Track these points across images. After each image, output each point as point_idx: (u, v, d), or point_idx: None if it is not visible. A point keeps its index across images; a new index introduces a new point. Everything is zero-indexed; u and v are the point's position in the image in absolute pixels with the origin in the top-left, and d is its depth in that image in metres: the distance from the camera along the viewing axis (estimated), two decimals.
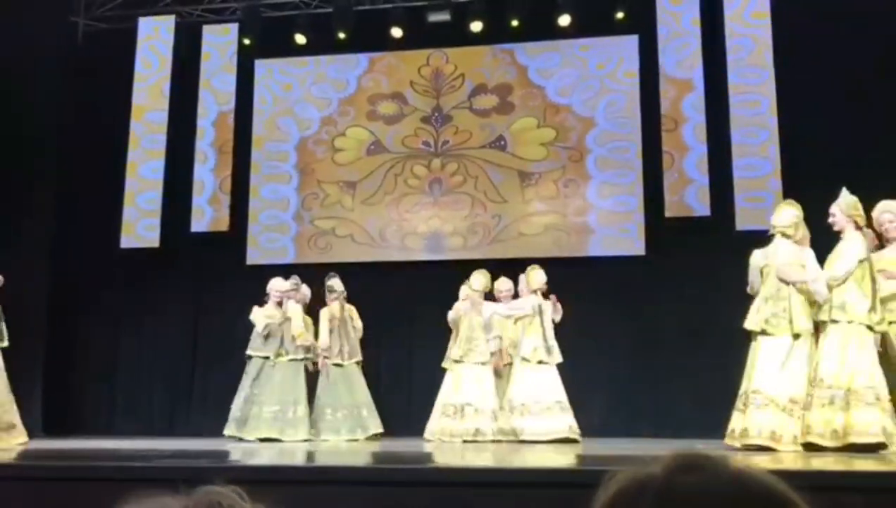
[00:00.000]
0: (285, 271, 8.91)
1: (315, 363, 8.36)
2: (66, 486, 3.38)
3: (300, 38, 10.30)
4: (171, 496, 0.78)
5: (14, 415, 6.87)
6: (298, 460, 4.95)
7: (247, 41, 10.50)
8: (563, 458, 5.18)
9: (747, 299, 8.93)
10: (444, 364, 8.12)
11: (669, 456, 0.75)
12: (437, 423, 7.81)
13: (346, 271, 8.92)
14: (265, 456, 5.41)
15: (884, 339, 5.65)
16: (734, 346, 8.92)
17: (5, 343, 7.05)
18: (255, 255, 10.19)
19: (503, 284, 8.45)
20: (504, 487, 3.09)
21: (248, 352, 8.36)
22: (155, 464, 4.09)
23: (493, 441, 7.50)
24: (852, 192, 5.84)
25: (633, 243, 9.47)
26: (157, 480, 3.30)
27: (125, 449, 6.04)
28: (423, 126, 10.29)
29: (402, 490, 3.11)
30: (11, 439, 6.72)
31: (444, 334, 8.32)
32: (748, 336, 6.32)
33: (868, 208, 5.98)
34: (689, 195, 9.29)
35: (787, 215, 6.08)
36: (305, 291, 8.53)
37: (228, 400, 9.04)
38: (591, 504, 0.76)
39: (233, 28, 10.59)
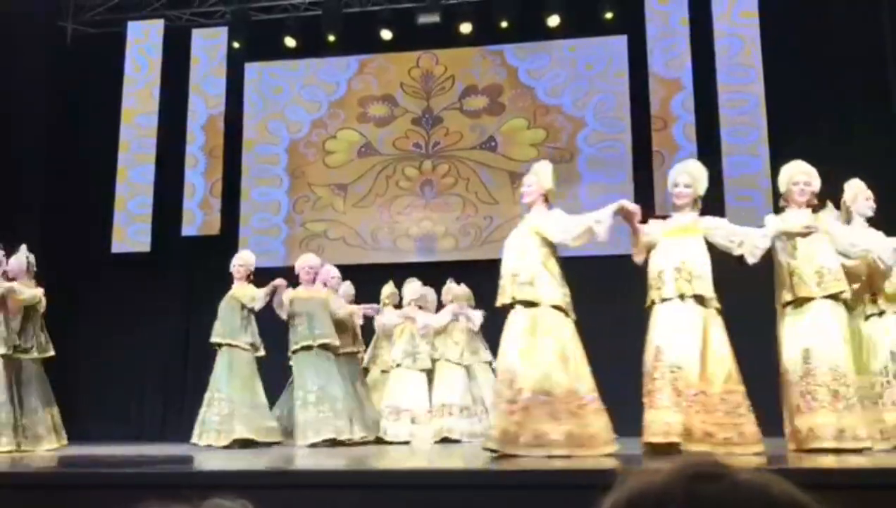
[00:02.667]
0: (277, 274, 8.89)
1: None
2: (58, 494, 3.36)
3: (290, 41, 10.30)
4: (181, 506, 0.77)
5: (41, 425, 6.85)
6: (286, 464, 4.95)
7: (236, 44, 10.49)
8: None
9: (739, 298, 8.95)
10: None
11: (682, 464, 0.74)
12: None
13: None
14: (254, 461, 5.40)
15: None
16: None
17: (51, 352, 7.13)
18: None
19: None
20: (496, 489, 3.10)
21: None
22: (146, 470, 4.09)
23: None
24: (840, 189, 5.84)
25: (624, 242, 9.46)
26: (149, 487, 3.30)
27: (117, 455, 6.02)
28: (413, 128, 10.30)
29: (389, 493, 3.11)
30: (39, 446, 6.73)
31: None
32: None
33: (880, 208, 5.94)
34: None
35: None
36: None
37: None
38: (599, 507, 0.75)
39: (222, 31, 10.57)
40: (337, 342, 7.45)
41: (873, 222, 5.55)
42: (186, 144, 10.40)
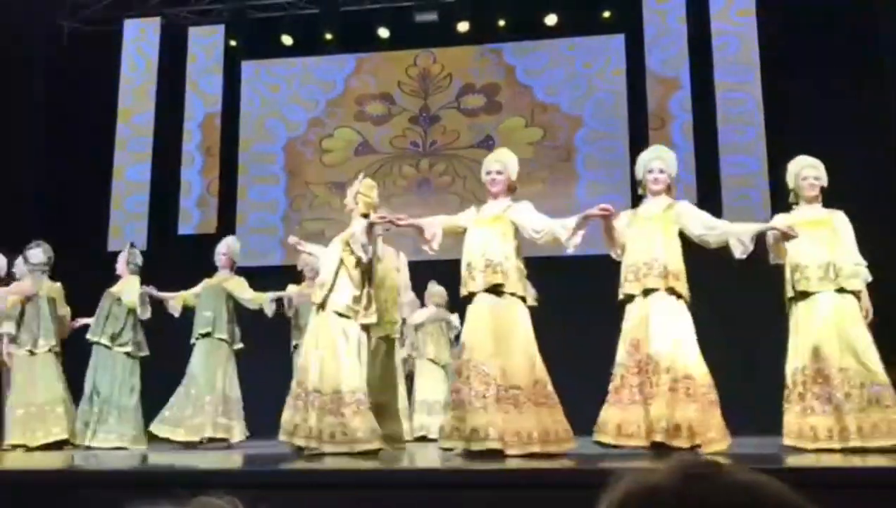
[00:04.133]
0: (274, 273, 8.88)
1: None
2: (54, 493, 3.35)
3: (287, 39, 10.28)
4: (170, 505, 0.76)
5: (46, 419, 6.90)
6: (280, 464, 4.92)
7: (233, 42, 10.47)
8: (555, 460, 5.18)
9: (735, 298, 8.97)
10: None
11: (677, 463, 0.75)
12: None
13: None
14: (252, 462, 5.39)
15: None
16: (722, 343, 8.95)
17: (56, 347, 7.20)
18: (243, 258, 10.12)
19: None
20: (496, 489, 3.09)
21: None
22: (142, 469, 4.08)
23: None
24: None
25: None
26: (147, 486, 3.29)
27: (113, 455, 6.01)
28: (410, 126, 10.28)
29: (390, 493, 3.10)
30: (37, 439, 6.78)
31: None
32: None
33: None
34: (676, 194, 9.29)
35: None
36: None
37: None
38: (595, 506, 0.75)
39: (219, 29, 10.55)
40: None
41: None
42: (183, 143, 10.38)
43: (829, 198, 6.04)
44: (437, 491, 2.97)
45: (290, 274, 8.65)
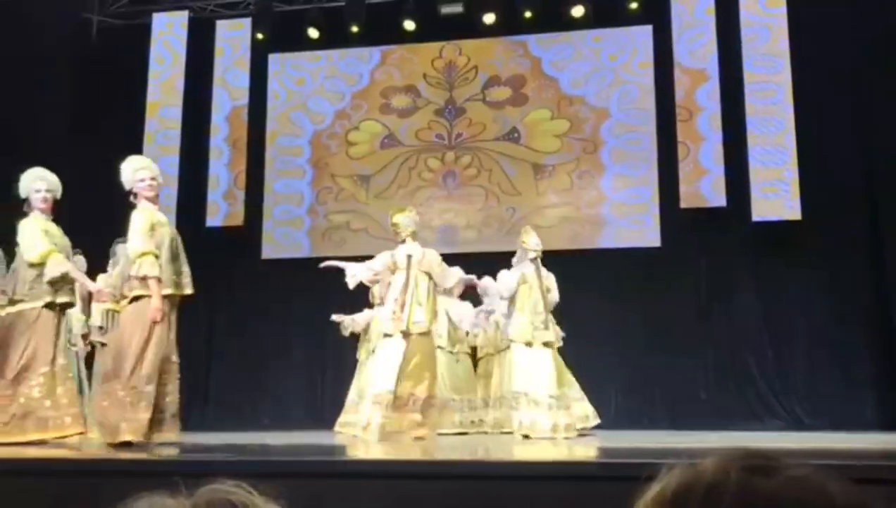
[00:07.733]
0: (300, 265, 8.92)
1: None
2: (69, 482, 3.38)
3: (313, 32, 10.31)
4: (171, 495, 0.74)
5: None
6: (309, 454, 4.94)
7: (260, 36, 10.51)
8: (579, 451, 5.17)
9: (763, 289, 8.90)
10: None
11: (730, 455, 0.72)
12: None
13: None
14: (275, 450, 5.41)
15: None
16: (750, 335, 8.90)
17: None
18: (270, 250, 10.21)
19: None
20: (522, 480, 3.08)
21: None
22: (164, 458, 4.12)
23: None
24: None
25: (647, 235, 9.43)
26: (167, 474, 3.31)
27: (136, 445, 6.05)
28: (436, 119, 10.27)
29: (417, 484, 3.10)
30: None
31: None
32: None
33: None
34: (704, 186, 9.23)
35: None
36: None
37: (243, 395, 9.11)
38: (642, 497, 0.73)
39: (246, 23, 10.59)
40: None
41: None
42: (210, 136, 10.44)
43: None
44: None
45: (314, 267, 8.68)
